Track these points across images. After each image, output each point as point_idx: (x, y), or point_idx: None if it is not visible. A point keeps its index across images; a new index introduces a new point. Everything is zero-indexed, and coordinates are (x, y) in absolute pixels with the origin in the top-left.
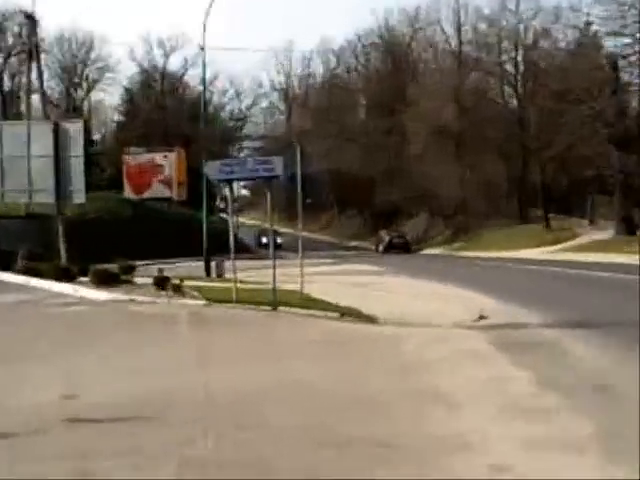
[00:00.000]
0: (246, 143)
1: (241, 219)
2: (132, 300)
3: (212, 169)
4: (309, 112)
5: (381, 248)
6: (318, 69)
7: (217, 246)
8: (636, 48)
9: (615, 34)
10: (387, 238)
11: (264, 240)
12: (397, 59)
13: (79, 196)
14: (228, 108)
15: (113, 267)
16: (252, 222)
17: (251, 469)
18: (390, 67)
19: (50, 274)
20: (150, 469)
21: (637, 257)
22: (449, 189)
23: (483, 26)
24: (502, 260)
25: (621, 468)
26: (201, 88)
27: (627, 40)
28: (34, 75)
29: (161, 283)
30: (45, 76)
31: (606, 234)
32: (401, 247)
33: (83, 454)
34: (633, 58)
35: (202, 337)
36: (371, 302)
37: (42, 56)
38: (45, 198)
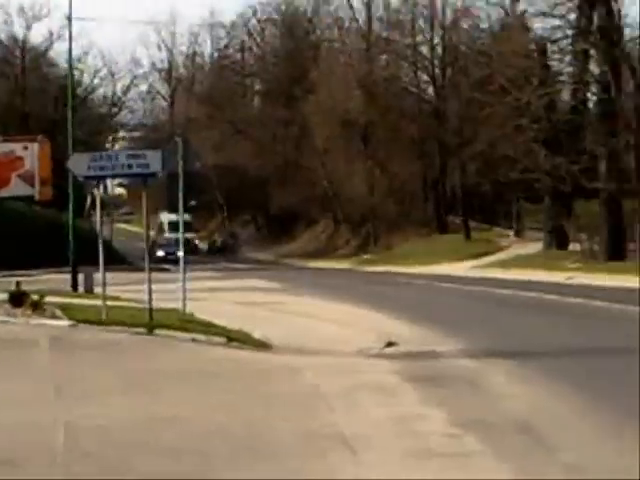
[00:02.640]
0: (122, 133)
1: (121, 225)
2: None
3: (78, 164)
4: (195, 97)
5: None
6: (206, 47)
7: (88, 256)
8: (567, 32)
9: (544, 14)
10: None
11: (160, 253)
12: (297, 37)
13: None
14: (101, 91)
15: None
16: (130, 228)
17: None
18: (289, 47)
19: None
20: None
21: (567, 275)
22: (356, 191)
23: (396, 1)
24: (417, 277)
25: None
26: (67, 65)
27: (557, 22)
28: None
29: (17, 299)
30: None
31: (534, 247)
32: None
33: None
34: (564, 43)
35: (63, 366)
36: (265, 325)
37: None
38: None
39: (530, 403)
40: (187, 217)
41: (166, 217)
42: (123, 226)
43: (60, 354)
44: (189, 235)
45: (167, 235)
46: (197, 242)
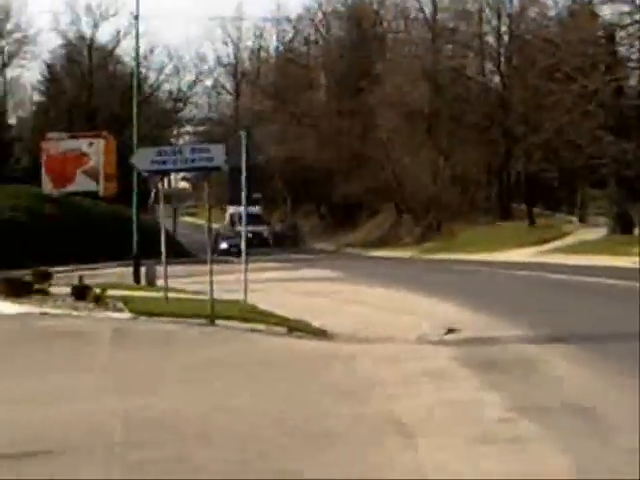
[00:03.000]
0: (187, 128)
1: (186, 218)
2: (44, 313)
3: (141, 159)
4: (260, 92)
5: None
6: (272, 41)
7: (152, 249)
8: (636, 17)
9: (612, 1)
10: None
11: (223, 245)
12: (363, 30)
13: None
14: (166, 87)
15: (26, 274)
16: (195, 221)
17: None
18: (355, 39)
19: None
20: None
21: (636, 260)
22: (419, 180)
23: None
24: (481, 264)
25: None
26: (134, 63)
27: (625, 8)
28: None
29: (80, 293)
30: None
31: (598, 233)
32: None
33: None
34: (632, 29)
35: (124, 358)
36: (325, 314)
37: None
38: None
39: (590, 387)
40: (257, 210)
41: (237, 209)
42: (188, 219)
43: (121, 346)
44: (260, 228)
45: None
46: (266, 234)
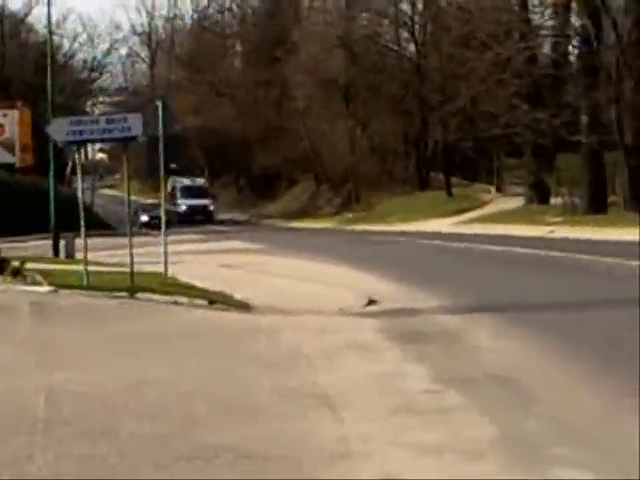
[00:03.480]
0: (103, 98)
1: (104, 190)
2: None
3: (57, 129)
4: (176, 60)
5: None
6: (186, 9)
7: (70, 222)
8: None
9: None
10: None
11: (144, 218)
12: None
13: None
14: (80, 56)
15: None
16: (115, 193)
17: None
18: (270, 7)
19: None
20: None
21: (549, 229)
22: (337, 150)
23: None
24: (399, 234)
25: (522, 474)
26: (47, 31)
27: None
28: None
29: None
30: None
31: (515, 202)
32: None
33: None
34: None
35: (44, 332)
36: (246, 286)
37: None
38: None
39: (513, 358)
40: (202, 182)
41: (180, 182)
42: (108, 192)
43: (40, 320)
44: (205, 201)
45: (180, 201)
46: (212, 208)
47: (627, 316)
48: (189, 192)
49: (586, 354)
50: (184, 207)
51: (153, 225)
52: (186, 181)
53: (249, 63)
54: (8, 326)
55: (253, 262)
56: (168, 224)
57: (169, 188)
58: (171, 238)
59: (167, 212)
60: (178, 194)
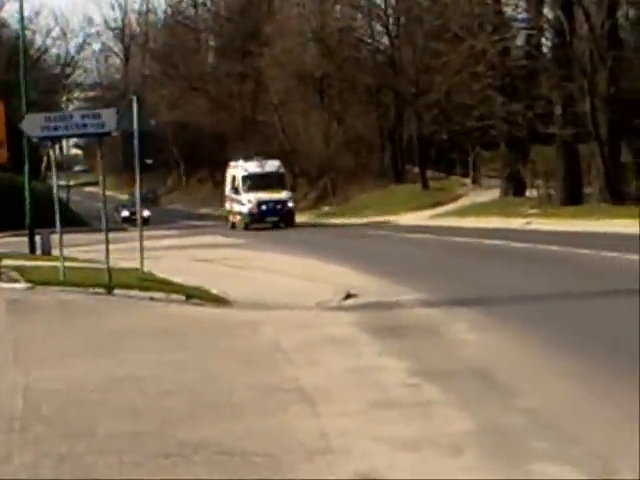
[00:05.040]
0: (77, 93)
1: (73, 182)
2: None
3: (31, 125)
4: (150, 55)
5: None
6: (159, 3)
7: (46, 218)
8: None
9: None
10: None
11: (124, 213)
12: None
13: None
14: (54, 51)
15: None
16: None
17: None
18: (243, 0)
19: None
20: None
21: (525, 221)
22: (313, 144)
23: None
24: (376, 227)
25: (499, 468)
26: (19, 26)
27: None
28: None
29: None
30: None
31: (491, 194)
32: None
33: None
34: None
35: (21, 329)
36: (225, 281)
37: None
38: None
39: (490, 350)
40: (277, 165)
41: (243, 168)
42: (91, 189)
43: (17, 317)
44: (283, 195)
45: (246, 196)
46: (292, 205)
47: (603, 307)
48: (258, 182)
49: (562, 346)
50: (251, 205)
51: (134, 220)
52: (252, 166)
53: (223, 57)
54: None
55: (231, 257)
56: (241, 225)
57: (228, 178)
58: (149, 234)
59: (230, 213)
60: (241, 185)
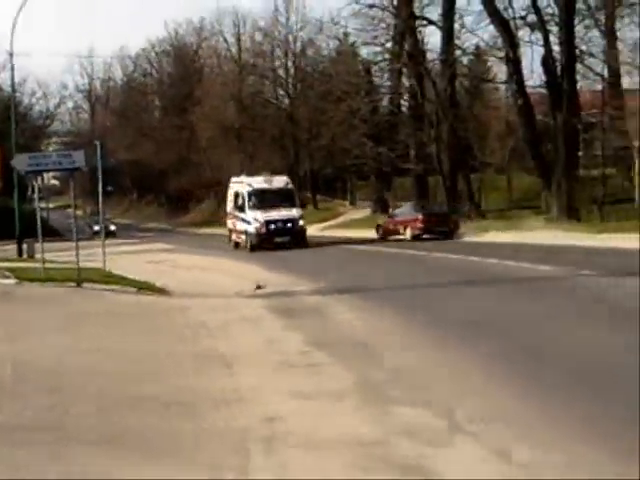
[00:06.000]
0: (54, 139)
1: (52, 205)
2: None
3: (20, 162)
4: (110, 111)
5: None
6: (118, 73)
7: (31, 232)
8: (385, 56)
9: (368, 44)
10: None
11: (96, 227)
12: (186, 65)
13: None
14: (37, 108)
15: None
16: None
17: (51, 432)
18: (180, 72)
19: None
20: None
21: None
22: (233, 176)
23: (259, 36)
24: None
25: (372, 412)
26: (11, 91)
27: (378, 49)
28: None
29: None
30: None
31: (364, 212)
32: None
33: None
34: (383, 64)
35: (10, 313)
36: (165, 277)
37: None
38: None
39: (364, 325)
40: (285, 181)
41: (248, 184)
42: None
43: (8, 304)
44: (293, 212)
45: (252, 215)
46: (302, 223)
47: (444, 293)
48: (266, 199)
49: (417, 321)
50: (258, 224)
51: (108, 233)
52: (258, 182)
53: (166, 113)
54: None
55: (171, 258)
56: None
57: (229, 194)
58: (110, 241)
59: (233, 232)
60: (247, 203)
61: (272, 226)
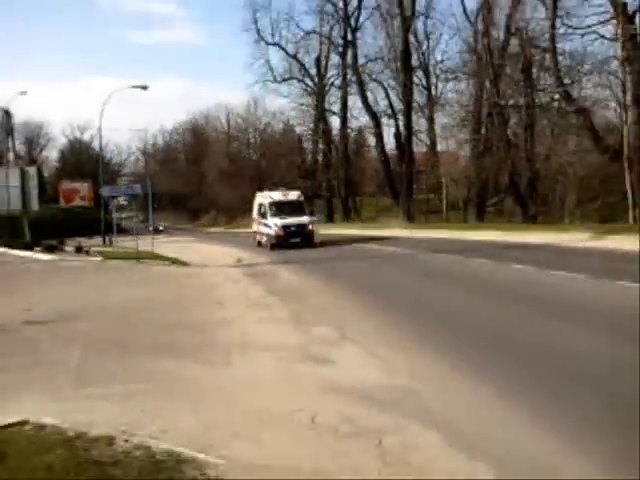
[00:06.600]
0: (124, 178)
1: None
2: (62, 260)
3: (105, 190)
4: (156, 162)
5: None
6: (159, 139)
7: (110, 231)
8: (310, 132)
9: (300, 124)
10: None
11: (150, 228)
12: (198, 136)
13: (34, 205)
14: (114, 160)
15: (53, 242)
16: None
17: (120, 346)
18: (195, 140)
19: (19, 247)
20: (73, 342)
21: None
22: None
23: (240, 120)
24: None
25: (297, 327)
26: (99, 151)
27: (305, 128)
28: (10, 143)
29: (78, 250)
30: (17, 142)
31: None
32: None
33: (36, 338)
34: (308, 136)
35: (101, 276)
36: (187, 255)
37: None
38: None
39: (299, 281)
40: (297, 195)
41: (267, 197)
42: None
43: (98, 272)
44: (304, 219)
45: (272, 221)
46: (312, 228)
47: (340, 262)
48: (283, 208)
49: (337, 278)
50: (276, 228)
51: (155, 230)
52: (277, 195)
53: (187, 163)
54: (83, 275)
55: (191, 246)
56: (267, 245)
57: (255, 206)
58: (156, 236)
59: (257, 234)
60: (268, 211)
61: (288, 230)
